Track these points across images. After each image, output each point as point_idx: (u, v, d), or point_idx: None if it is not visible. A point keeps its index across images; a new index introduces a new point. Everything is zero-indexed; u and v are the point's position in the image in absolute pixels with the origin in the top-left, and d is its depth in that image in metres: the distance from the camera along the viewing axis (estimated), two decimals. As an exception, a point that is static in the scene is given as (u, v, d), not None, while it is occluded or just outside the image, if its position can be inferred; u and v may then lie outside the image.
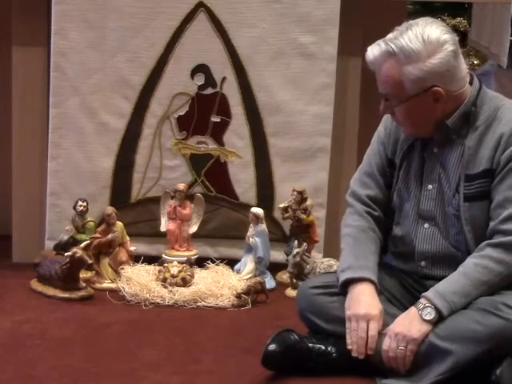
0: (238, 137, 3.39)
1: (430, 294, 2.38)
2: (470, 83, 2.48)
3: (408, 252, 2.58)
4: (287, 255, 3.20)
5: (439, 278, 2.47)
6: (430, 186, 2.53)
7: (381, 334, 2.43)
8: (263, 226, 3.28)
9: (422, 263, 2.55)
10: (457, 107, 2.45)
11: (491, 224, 2.42)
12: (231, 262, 3.33)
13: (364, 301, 2.46)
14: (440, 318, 2.34)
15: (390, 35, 2.43)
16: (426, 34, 2.38)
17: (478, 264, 2.38)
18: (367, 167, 2.66)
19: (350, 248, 2.58)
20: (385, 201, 2.64)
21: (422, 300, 2.38)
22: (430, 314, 2.34)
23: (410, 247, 2.57)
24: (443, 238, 2.51)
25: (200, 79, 3.35)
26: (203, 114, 3.37)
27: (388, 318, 2.46)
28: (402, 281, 2.61)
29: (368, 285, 2.49)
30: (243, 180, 3.41)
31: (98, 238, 3.21)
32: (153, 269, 3.22)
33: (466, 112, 2.45)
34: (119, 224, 3.23)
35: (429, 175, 2.53)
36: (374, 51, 2.43)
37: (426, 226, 2.54)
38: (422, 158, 2.55)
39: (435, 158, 2.52)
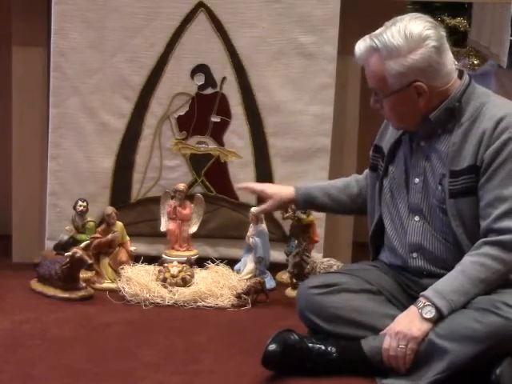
0: (237, 137, 3.39)
1: (429, 292, 2.38)
2: (460, 78, 2.49)
3: (400, 245, 2.59)
4: (287, 255, 3.20)
5: (432, 271, 2.50)
6: (416, 180, 2.55)
7: (380, 334, 2.44)
8: (263, 226, 3.28)
9: (414, 254, 2.56)
10: (442, 102, 2.46)
11: (483, 223, 2.41)
12: (231, 262, 3.33)
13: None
14: (440, 317, 2.34)
15: (377, 30, 2.46)
16: (409, 29, 2.40)
17: (475, 262, 2.38)
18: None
19: None
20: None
21: (421, 299, 2.38)
22: (430, 313, 2.34)
23: (402, 240, 2.58)
24: (432, 230, 2.52)
25: (200, 79, 3.35)
26: (203, 113, 3.37)
27: (388, 320, 2.46)
28: (399, 281, 2.62)
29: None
30: (243, 180, 3.39)
31: (98, 237, 3.21)
32: (153, 269, 3.22)
33: (449, 107, 2.46)
34: (119, 224, 3.23)
35: (415, 169, 2.55)
36: (360, 46, 2.47)
37: (417, 218, 2.55)
38: (410, 152, 2.56)
39: (421, 151, 2.54)
